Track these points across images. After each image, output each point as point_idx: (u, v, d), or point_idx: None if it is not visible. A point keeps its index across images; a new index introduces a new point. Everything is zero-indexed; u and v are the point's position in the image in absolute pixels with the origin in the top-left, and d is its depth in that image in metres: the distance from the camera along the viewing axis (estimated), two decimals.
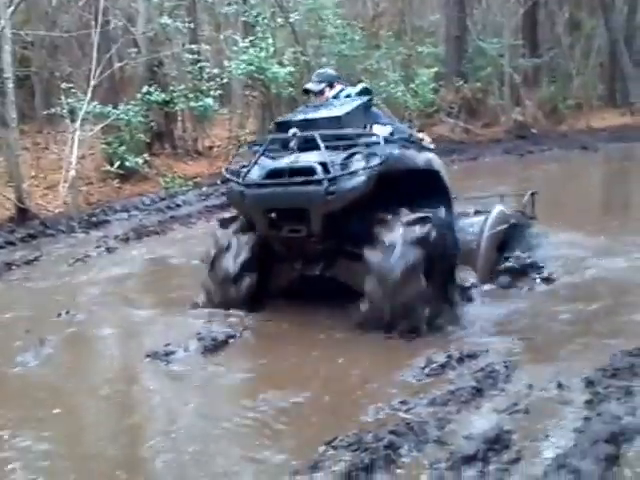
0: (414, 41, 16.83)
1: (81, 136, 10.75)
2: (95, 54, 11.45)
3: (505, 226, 6.76)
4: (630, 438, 4.03)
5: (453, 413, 4.40)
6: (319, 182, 5.19)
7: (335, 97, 6.14)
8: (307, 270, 5.74)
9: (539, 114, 16.97)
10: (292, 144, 5.40)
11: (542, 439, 4.06)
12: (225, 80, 13.19)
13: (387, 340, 5.28)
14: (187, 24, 12.95)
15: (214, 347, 5.25)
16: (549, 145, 15.77)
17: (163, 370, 4.94)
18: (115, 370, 5.12)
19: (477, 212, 7.06)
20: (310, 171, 5.25)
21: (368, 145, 5.42)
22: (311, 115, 5.75)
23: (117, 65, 12.82)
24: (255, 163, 5.54)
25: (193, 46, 13.11)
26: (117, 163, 11.23)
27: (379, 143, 5.34)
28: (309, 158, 5.34)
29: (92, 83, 11.25)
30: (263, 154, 5.58)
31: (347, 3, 15.51)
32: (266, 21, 13.71)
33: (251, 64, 12.94)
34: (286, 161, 5.40)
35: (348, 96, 6.08)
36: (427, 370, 5.00)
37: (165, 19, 12.86)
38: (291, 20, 13.65)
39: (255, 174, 5.50)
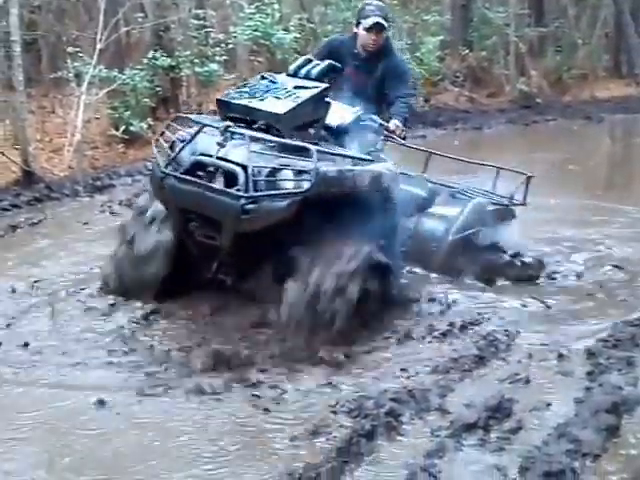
0: (420, 9, 16.60)
1: (87, 100, 10.69)
2: (102, 18, 11.34)
3: (477, 229, 5.93)
4: (631, 408, 4.07)
5: (455, 381, 4.41)
6: (237, 197, 4.62)
7: (295, 73, 5.30)
8: (220, 275, 5.22)
9: (544, 84, 16.83)
10: (221, 139, 4.76)
11: (543, 409, 4.07)
12: (231, 46, 13.10)
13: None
14: None
15: None
16: (553, 115, 15.66)
17: None
18: None
19: (455, 195, 6.27)
20: (233, 176, 4.68)
21: (303, 154, 4.71)
22: (253, 104, 5.01)
23: (123, 30, 12.65)
24: (185, 145, 4.89)
25: (199, 11, 13.00)
26: (122, 128, 11.17)
27: (313, 157, 4.59)
28: (237, 156, 4.71)
29: (98, 47, 11.15)
30: (193, 138, 4.90)
31: None
32: None
33: (257, 30, 12.86)
34: (215, 152, 4.77)
35: (307, 76, 5.21)
36: (429, 338, 5.00)
37: None
38: None
39: (185, 157, 4.91)
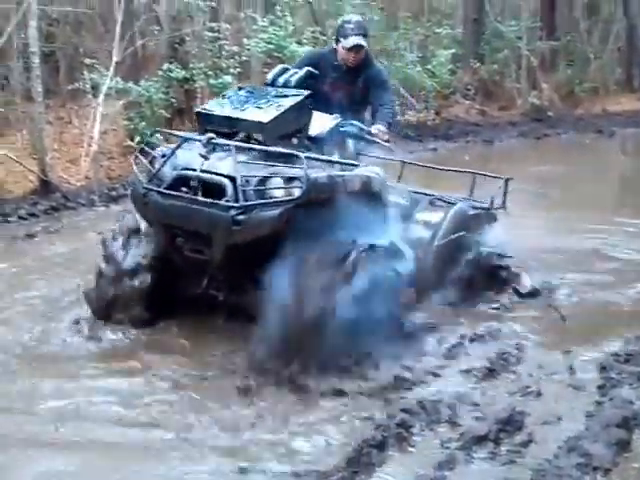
0: (432, 22, 16.64)
1: (103, 111, 10.74)
2: (118, 31, 11.41)
3: (460, 234, 5.73)
4: None
5: (466, 393, 4.40)
6: (226, 208, 4.45)
7: (273, 82, 5.21)
8: (211, 291, 5.03)
9: (555, 97, 16.79)
10: (205, 151, 4.61)
11: (554, 422, 4.05)
12: (244, 58, 13.08)
13: None
14: (208, 2, 12.87)
15: None
16: (565, 128, 15.64)
17: None
18: None
19: (434, 202, 6.04)
20: (220, 188, 4.52)
21: (291, 162, 4.59)
22: (235, 114, 4.86)
23: (139, 42, 12.77)
24: (166, 161, 4.73)
25: (214, 24, 12.99)
26: (138, 138, 11.20)
27: (302, 164, 4.46)
28: (223, 168, 4.56)
29: (115, 59, 11.22)
30: (174, 152, 4.75)
31: None
32: (286, 0, 13.61)
33: (270, 42, 12.86)
34: (199, 165, 4.59)
35: (286, 85, 5.13)
36: (439, 349, 5.00)
37: None
38: (310, 0, 13.51)
39: (167, 172, 4.72)
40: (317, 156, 4.79)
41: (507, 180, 6.27)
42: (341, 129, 5.26)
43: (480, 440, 3.83)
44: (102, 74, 11.05)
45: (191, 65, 12.34)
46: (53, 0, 12.78)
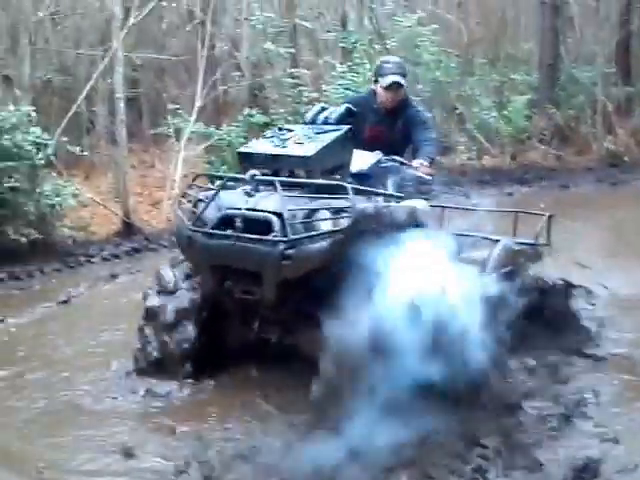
0: (508, 68, 16.39)
1: (185, 155, 10.72)
2: (201, 77, 11.46)
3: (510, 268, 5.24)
4: None
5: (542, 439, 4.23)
6: (275, 243, 4.27)
7: (313, 121, 5.08)
8: (264, 334, 4.84)
9: (631, 142, 16.25)
10: (249, 188, 4.48)
11: (632, 470, 3.90)
12: (323, 103, 12.98)
13: None
14: (288, 50, 12.88)
15: None
16: None
17: None
18: None
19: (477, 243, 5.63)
20: (266, 224, 4.35)
21: (337, 193, 4.45)
22: (277, 151, 4.74)
23: (221, 88, 12.85)
24: (210, 202, 4.57)
25: (293, 70, 12.99)
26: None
27: (349, 195, 4.34)
28: (268, 204, 4.41)
29: (197, 104, 11.30)
30: (217, 193, 4.60)
31: (442, 31, 15.15)
32: (364, 47, 13.54)
33: (348, 88, 12.72)
34: (243, 203, 4.48)
35: (326, 122, 4.99)
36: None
37: (268, 45, 12.79)
38: (388, 47, 13.41)
39: (210, 214, 4.56)
40: (363, 187, 4.67)
41: (550, 217, 5.92)
42: (382, 165, 5.17)
43: None
44: (184, 119, 11.12)
45: (271, 110, 12.32)
46: (138, 47, 12.90)
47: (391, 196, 4.85)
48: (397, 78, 5.44)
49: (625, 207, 12.01)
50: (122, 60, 10.48)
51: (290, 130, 4.96)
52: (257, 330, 4.81)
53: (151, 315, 5.07)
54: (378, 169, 5.15)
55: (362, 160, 5.05)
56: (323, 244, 4.28)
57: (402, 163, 5.28)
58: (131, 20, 10.96)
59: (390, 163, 5.23)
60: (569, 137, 16.07)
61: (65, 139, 9.86)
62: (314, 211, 4.39)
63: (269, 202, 4.41)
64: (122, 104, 10.28)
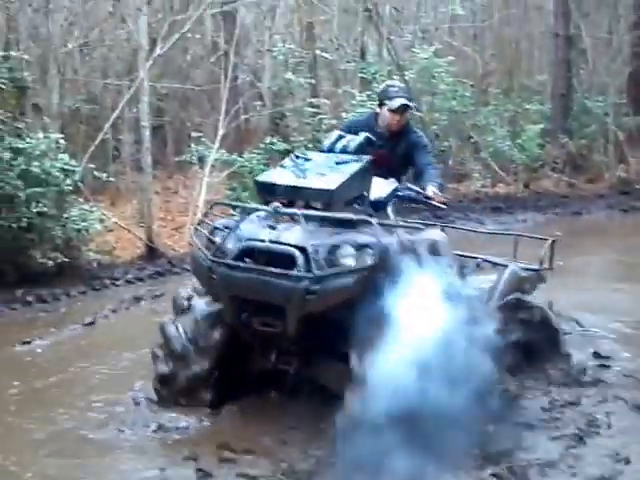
0: (521, 98, 16.32)
1: (208, 182, 10.74)
2: (224, 106, 11.50)
3: (516, 295, 5.27)
4: None
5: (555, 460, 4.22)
6: (299, 278, 4.13)
7: (331, 149, 4.89)
8: (281, 365, 4.71)
9: None
10: (273, 221, 4.34)
11: None
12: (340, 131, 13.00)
13: None
14: (308, 80, 12.92)
15: None
16: None
17: None
18: None
19: (479, 265, 5.78)
20: (289, 258, 4.19)
21: (359, 227, 4.37)
22: (299, 182, 4.52)
23: (243, 117, 12.89)
24: (231, 233, 4.43)
25: (313, 100, 13.01)
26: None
27: (373, 230, 4.26)
28: (291, 237, 4.25)
29: (220, 133, 11.33)
30: (239, 224, 4.47)
31: (458, 62, 15.18)
32: (382, 78, 13.52)
33: None
34: (266, 235, 4.31)
35: (345, 150, 4.82)
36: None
37: (289, 75, 12.79)
38: (406, 77, 13.39)
39: (230, 244, 4.42)
40: (385, 221, 4.57)
41: (553, 242, 5.88)
42: (398, 193, 5.04)
43: None
44: (208, 146, 11.13)
45: (292, 138, 12.33)
46: (163, 77, 12.98)
47: (412, 227, 4.77)
48: (405, 101, 5.31)
49: (636, 233, 12.03)
50: (148, 90, 10.55)
51: (307, 159, 4.76)
52: (275, 361, 4.69)
53: (166, 346, 4.94)
54: (395, 197, 5.04)
55: (379, 188, 4.91)
56: (348, 280, 4.16)
57: (418, 192, 5.12)
58: (157, 51, 10.96)
59: (407, 192, 5.10)
60: (581, 165, 16.01)
61: (92, 166, 9.92)
62: (338, 246, 4.27)
63: (292, 235, 4.27)
64: (147, 132, 10.33)
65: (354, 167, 4.60)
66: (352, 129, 5.31)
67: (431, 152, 5.65)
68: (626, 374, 5.52)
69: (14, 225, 8.03)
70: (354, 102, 13.04)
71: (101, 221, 8.95)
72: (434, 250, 4.60)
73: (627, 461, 4.17)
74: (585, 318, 6.61)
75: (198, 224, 4.91)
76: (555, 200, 14.77)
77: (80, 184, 9.16)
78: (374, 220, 4.32)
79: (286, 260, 4.20)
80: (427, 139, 5.72)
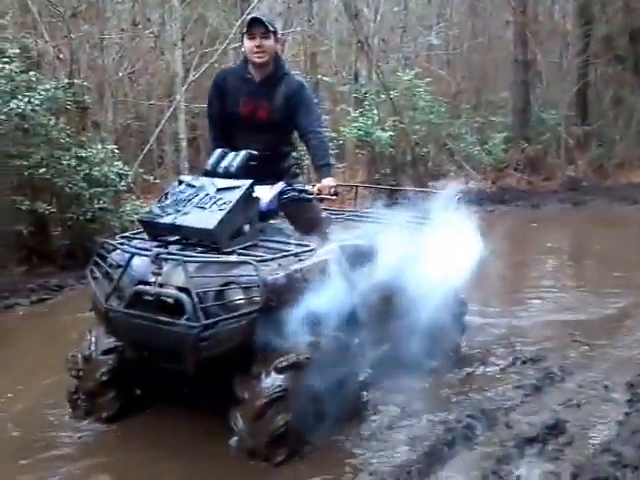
0: (488, 112, 16.61)
1: None
2: None
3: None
4: None
5: (518, 404, 4.37)
6: (189, 326, 3.45)
7: (214, 169, 3.95)
8: (189, 389, 4.14)
9: (589, 171, 16.39)
10: (155, 268, 3.60)
11: (591, 428, 4.02)
12: (340, 142, 13.32)
13: None
14: None
15: None
16: (596, 196, 15.17)
17: None
18: None
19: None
20: (179, 303, 3.49)
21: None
22: (179, 220, 3.73)
23: None
24: (121, 276, 3.64)
25: None
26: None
27: (256, 272, 3.48)
28: (179, 279, 3.54)
29: None
30: (129, 264, 3.63)
31: (435, 83, 15.35)
32: (372, 97, 13.83)
33: (360, 129, 13.06)
34: (154, 277, 3.60)
35: (227, 171, 3.89)
36: (498, 371, 4.96)
37: None
38: (391, 96, 13.70)
39: (125, 283, 3.67)
40: (269, 257, 3.69)
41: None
42: (284, 197, 4.10)
43: (531, 441, 3.81)
44: None
45: (300, 149, 12.52)
46: (196, 99, 13.24)
47: (302, 252, 3.83)
48: (259, 16, 4.06)
49: (582, 222, 12.35)
50: (183, 109, 10.80)
51: (191, 185, 3.90)
52: (185, 387, 4.14)
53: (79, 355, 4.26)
54: (280, 200, 4.09)
55: (263, 195, 3.95)
56: (238, 324, 3.51)
57: (301, 191, 4.15)
58: (190, 78, 11.17)
59: (292, 193, 4.12)
60: (538, 166, 16.16)
61: (141, 170, 10.06)
62: (224, 289, 3.54)
63: (179, 277, 3.54)
64: (184, 143, 10.59)
65: (234, 196, 3.73)
66: (220, 84, 4.30)
67: (315, 111, 4.30)
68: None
69: (81, 217, 8.29)
70: (349, 117, 13.37)
71: None
72: (325, 271, 3.82)
73: (578, 405, 4.25)
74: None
75: (94, 264, 4.01)
76: (517, 195, 14.96)
77: (132, 185, 9.33)
78: (253, 261, 3.52)
79: (175, 307, 3.53)
80: (309, 92, 4.31)
